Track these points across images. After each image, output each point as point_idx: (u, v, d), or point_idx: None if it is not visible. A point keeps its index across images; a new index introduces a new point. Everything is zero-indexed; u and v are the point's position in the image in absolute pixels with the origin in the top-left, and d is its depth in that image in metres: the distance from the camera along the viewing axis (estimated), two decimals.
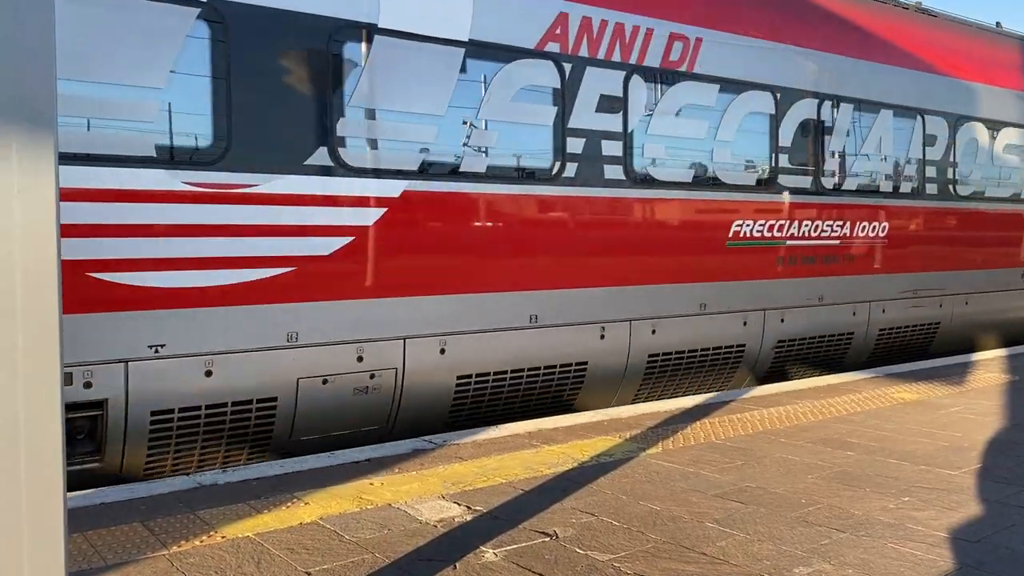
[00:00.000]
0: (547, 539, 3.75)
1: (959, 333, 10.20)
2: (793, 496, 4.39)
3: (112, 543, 3.65)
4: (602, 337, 6.91)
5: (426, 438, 5.55)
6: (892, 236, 9.15)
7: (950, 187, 9.83)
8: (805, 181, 8.32)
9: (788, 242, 8.14)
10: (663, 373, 7.46)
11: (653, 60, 7.18)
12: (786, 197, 8.15)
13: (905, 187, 9.35)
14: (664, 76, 7.27)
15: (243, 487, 4.47)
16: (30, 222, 2.05)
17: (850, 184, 8.75)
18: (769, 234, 7.98)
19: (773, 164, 8.07)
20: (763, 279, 8.00)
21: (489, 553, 3.58)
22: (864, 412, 6.49)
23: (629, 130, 7.03)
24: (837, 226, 8.57)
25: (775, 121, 8.05)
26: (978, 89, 10.22)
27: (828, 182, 8.53)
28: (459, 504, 4.22)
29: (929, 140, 9.51)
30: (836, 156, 8.63)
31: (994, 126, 10.46)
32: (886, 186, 9.16)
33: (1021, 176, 10.97)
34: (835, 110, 8.59)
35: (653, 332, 7.25)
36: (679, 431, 5.81)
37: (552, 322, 6.62)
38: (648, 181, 7.15)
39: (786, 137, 8.13)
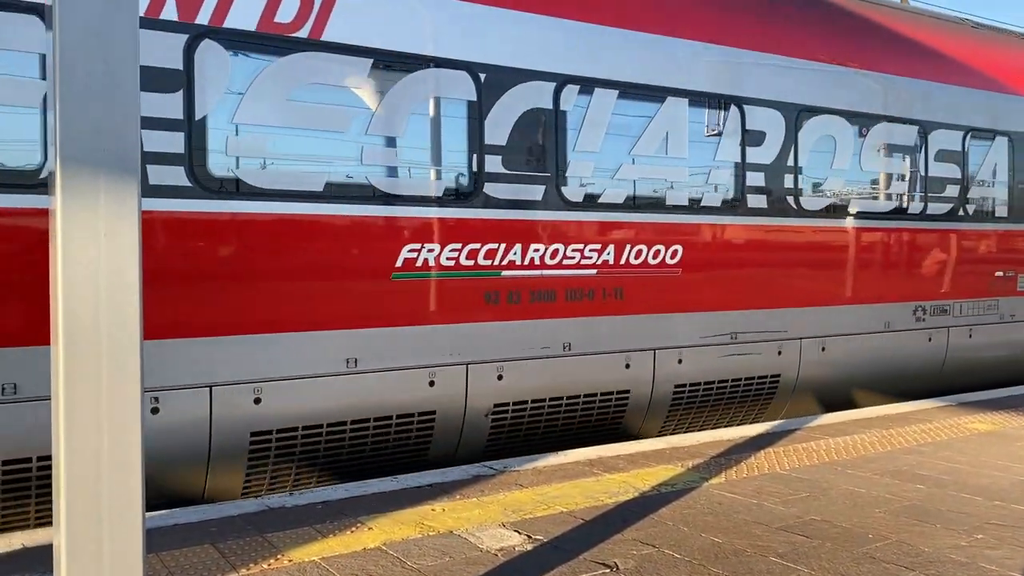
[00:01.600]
0: (607, 571, 3.75)
1: (816, 385, 7.92)
2: (860, 530, 4.30)
3: (185, 564, 3.77)
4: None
5: (486, 464, 5.60)
6: (689, 263, 6.98)
7: (790, 199, 7.59)
8: (534, 191, 6.21)
9: (505, 272, 6.10)
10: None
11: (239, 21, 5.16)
12: (500, 213, 6.11)
13: (711, 199, 7.16)
14: (266, 43, 5.25)
15: (309, 510, 4.57)
16: (114, 263, 2.17)
17: (614, 195, 6.62)
18: (471, 261, 5.98)
19: (476, 169, 5.99)
20: (470, 321, 6.01)
21: None
22: (935, 443, 6.32)
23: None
24: (591, 251, 6.50)
25: (478, 111, 5.97)
26: (840, 74, 8.00)
27: (575, 193, 6.41)
28: (519, 532, 4.24)
29: (752, 139, 7.34)
30: (587, 156, 6.51)
31: (865, 121, 8.14)
32: (678, 197, 6.95)
33: (914, 186, 8.67)
34: (586, 96, 6.47)
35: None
36: (742, 460, 5.74)
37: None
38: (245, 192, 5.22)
39: (498, 132, 6.04)
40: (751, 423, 7.51)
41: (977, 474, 5.41)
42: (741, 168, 7.32)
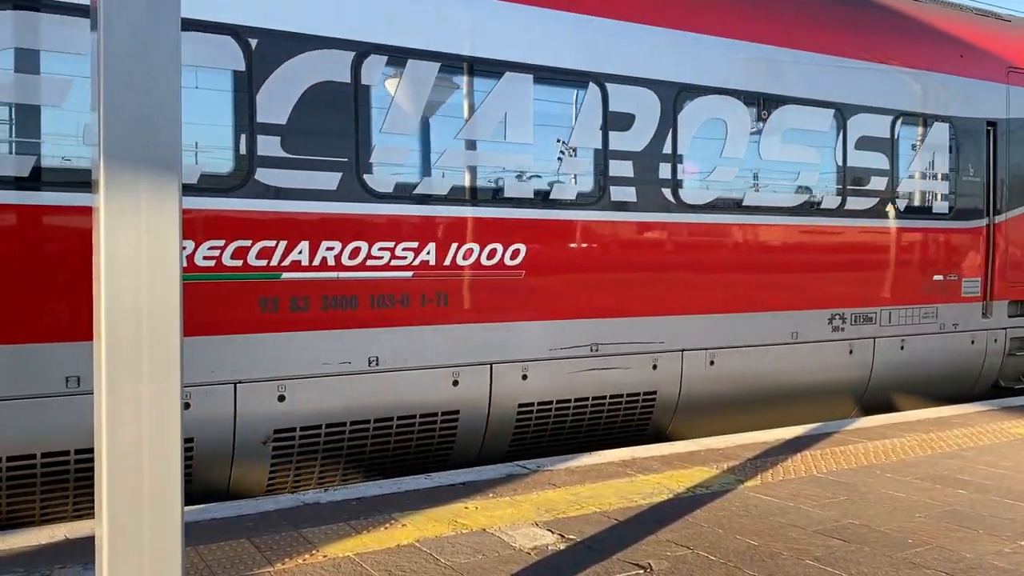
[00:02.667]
0: (641, 572, 3.73)
1: (705, 404, 6.96)
2: (899, 535, 4.23)
3: (222, 558, 3.82)
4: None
5: (519, 463, 5.59)
6: (535, 265, 6.00)
7: (667, 191, 6.56)
8: (326, 179, 5.34)
9: (286, 275, 5.22)
10: None
11: None
12: (278, 205, 5.23)
13: (564, 192, 6.15)
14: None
15: (344, 506, 4.61)
16: (155, 259, 2.20)
17: (436, 185, 5.70)
18: (237, 261, 5.10)
19: (246, 151, 5.12)
20: (238, 332, 5.13)
21: None
22: (977, 447, 6.19)
23: None
24: (405, 250, 5.56)
25: (248, 83, 5.12)
26: (732, 48, 6.94)
27: (382, 182, 5.51)
28: (552, 532, 4.24)
29: (617, 122, 6.32)
30: (398, 140, 5.64)
31: (766, 103, 7.14)
32: (520, 189, 6.00)
33: (829, 177, 7.55)
34: (396, 69, 5.59)
35: None
36: (778, 463, 5.67)
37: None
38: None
39: (275, 108, 5.18)
40: (627, 445, 6.56)
41: (1021, 479, 5.29)
42: (603, 156, 6.27)
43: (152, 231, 2.15)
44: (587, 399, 6.33)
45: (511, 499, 4.79)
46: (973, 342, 8.51)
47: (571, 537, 4.16)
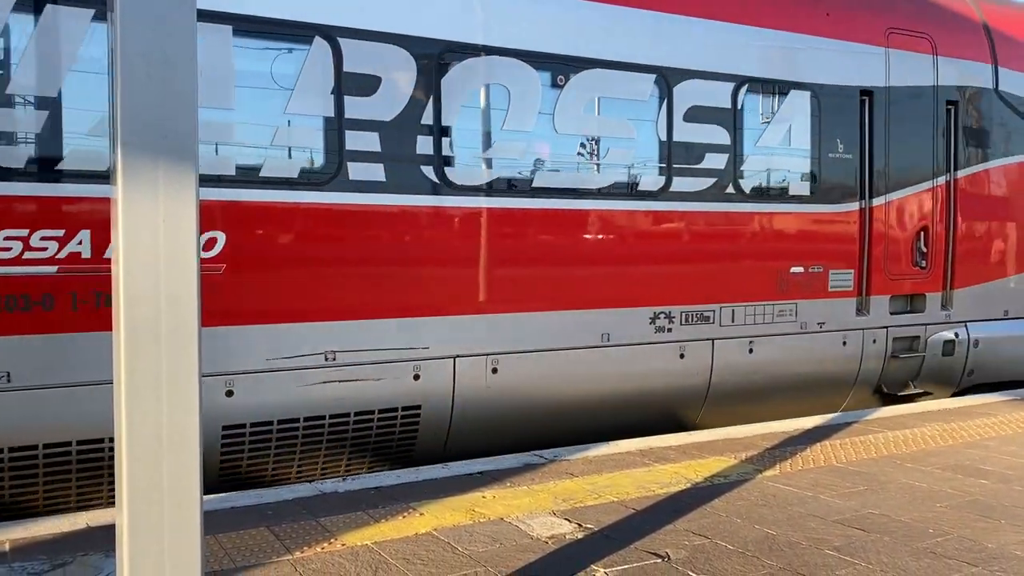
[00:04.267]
0: (659, 561, 3.72)
1: (488, 419, 5.89)
2: (920, 525, 4.19)
3: (241, 546, 3.85)
4: None
5: (536, 453, 5.59)
6: (239, 258, 5.00)
7: (427, 170, 5.53)
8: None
9: None
10: None
11: None
12: None
13: (276, 168, 5.14)
14: None
15: (362, 495, 4.62)
16: (173, 248, 2.21)
17: (78, 158, 4.63)
18: None
19: None
20: None
21: (600, 572, 3.58)
22: (1000, 437, 6.13)
23: None
24: (46, 239, 4.56)
25: None
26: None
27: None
28: (570, 521, 4.23)
29: (356, 86, 5.28)
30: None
31: (562, 67, 5.96)
32: (214, 165, 4.94)
33: (648, 154, 6.42)
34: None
35: None
36: (797, 453, 5.64)
37: None
38: None
39: None
40: (390, 468, 5.68)
41: None
42: (336, 126, 5.24)
43: (170, 220, 2.15)
44: (323, 417, 5.31)
45: (528, 488, 4.79)
46: (845, 343, 7.33)
47: (588, 526, 4.16)
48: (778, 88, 6.94)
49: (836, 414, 7.08)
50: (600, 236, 6.19)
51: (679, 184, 6.45)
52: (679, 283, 6.53)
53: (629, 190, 6.31)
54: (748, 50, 6.77)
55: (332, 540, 3.93)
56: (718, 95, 6.62)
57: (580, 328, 6.12)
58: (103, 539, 3.89)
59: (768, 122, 6.96)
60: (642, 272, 6.37)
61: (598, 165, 6.23)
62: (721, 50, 6.63)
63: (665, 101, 6.38)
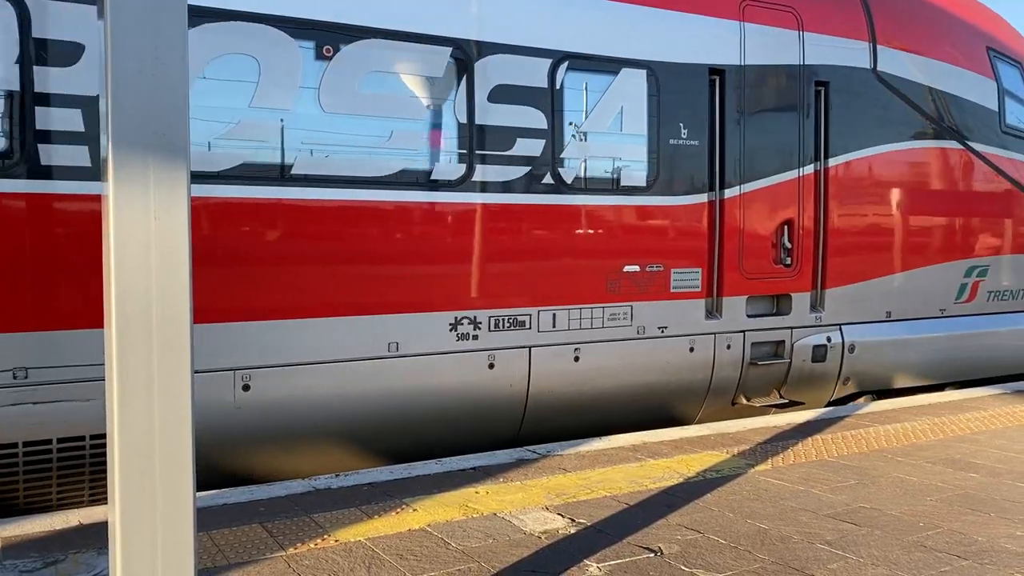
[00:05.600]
0: (651, 555, 3.73)
1: (240, 442, 5.14)
2: (911, 519, 4.22)
3: (234, 543, 3.85)
4: None
5: (530, 448, 5.60)
6: None
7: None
8: None
9: None
10: None
11: None
12: None
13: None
14: None
15: (355, 492, 4.63)
16: (165, 245, 2.21)
17: None
18: None
19: None
20: None
21: (593, 567, 3.59)
22: (989, 431, 6.16)
23: None
24: None
25: None
26: None
27: None
28: (563, 516, 4.25)
29: (48, 52, 4.53)
30: None
31: (325, 36, 5.20)
32: None
33: (444, 138, 5.69)
34: None
35: None
36: (789, 447, 5.67)
37: None
38: None
39: None
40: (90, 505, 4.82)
41: None
42: (21, 101, 4.44)
43: (161, 216, 2.15)
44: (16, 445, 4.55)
45: (521, 483, 4.80)
46: (692, 349, 6.57)
47: (581, 521, 4.17)
48: (607, 66, 6.14)
49: (826, 409, 7.11)
50: (383, 231, 5.44)
51: (484, 173, 5.70)
52: (486, 284, 5.76)
53: (420, 179, 5.53)
54: (569, 22, 5.96)
55: (325, 536, 3.94)
56: (532, 73, 5.82)
57: (360, 337, 5.37)
58: (96, 536, 3.89)
59: (595, 105, 6.15)
60: (439, 272, 5.62)
61: (378, 151, 5.41)
62: (534, 21, 5.82)
63: (465, 78, 5.60)
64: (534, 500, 4.50)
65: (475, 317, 5.74)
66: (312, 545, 3.83)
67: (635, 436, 5.95)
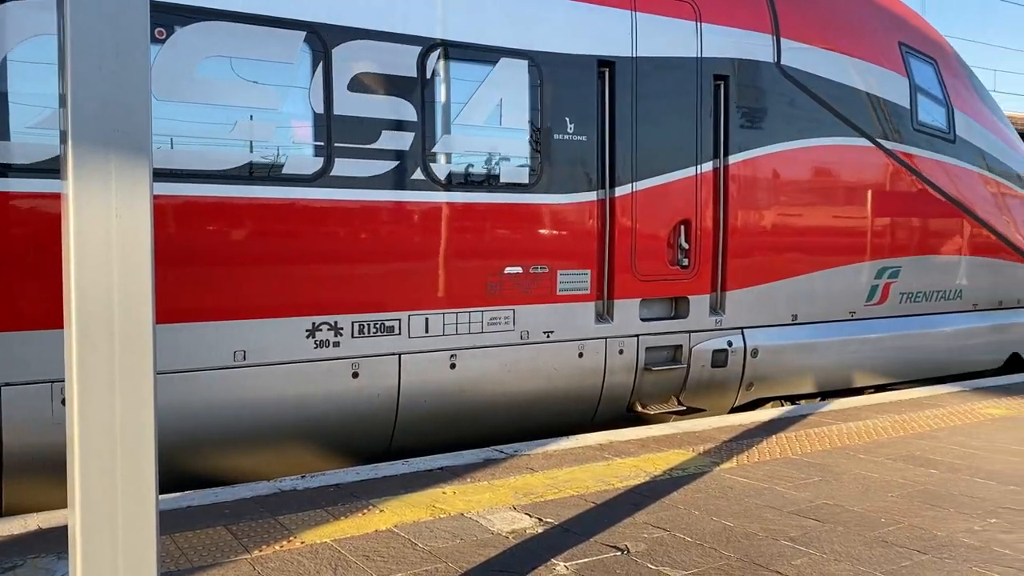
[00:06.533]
0: (618, 554, 3.75)
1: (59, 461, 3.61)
2: (872, 515, 4.29)
3: (198, 546, 3.80)
4: None
5: (497, 448, 5.60)
6: None
7: None
8: None
9: None
10: None
11: None
12: None
13: None
14: None
15: (321, 493, 4.59)
16: (126, 243, 2.17)
17: None
18: None
19: None
20: None
21: (560, 566, 3.60)
22: (948, 428, 6.28)
23: None
24: None
25: None
26: None
27: None
28: (530, 516, 4.25)
29: None
30: None
31: (158, 16, 4.75)
32: None
33: (298, 129, 5.33)
34: None
35: None
36: (754, 445, 5.73)
37: None
38: None
39: None
40: None
41: (991, 459, 5.38)
42: None
43: (123, 214, 2.11)
44: None
45: (489, 483, 4.80)
46: (582, 355, 6.29)
47: (549, 520, 4.18)
48: (484, 55, 5.81)
49: (790, 407, 7.20)
50: (226, 229, 5.04)
51: (344, 167, 5.33)
52: (349, 287, 5.40)
53: (270, 173, 5.15)
54: (441, 8, 5.63)
55: (291, 538, 3.90)
56: (398, 61, 5.46)
57: (200, 344, 4.97)
58: (56, 540, 3.82)
59: (470, 97, 5.79)
60: (294, 275, 5.23)
61: (221, 141, 5.03)
62: (401, 6, 5.50)
63: (321, 65, 5.23)
64: (502, 500, 4.50)
65: (336, 323, 5.38)
66: (278, 547, 3.79)
67: (602, 435, 5.98)
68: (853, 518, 4.23)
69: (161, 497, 4.43)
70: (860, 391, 8.02)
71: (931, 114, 8.36)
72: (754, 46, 7.00)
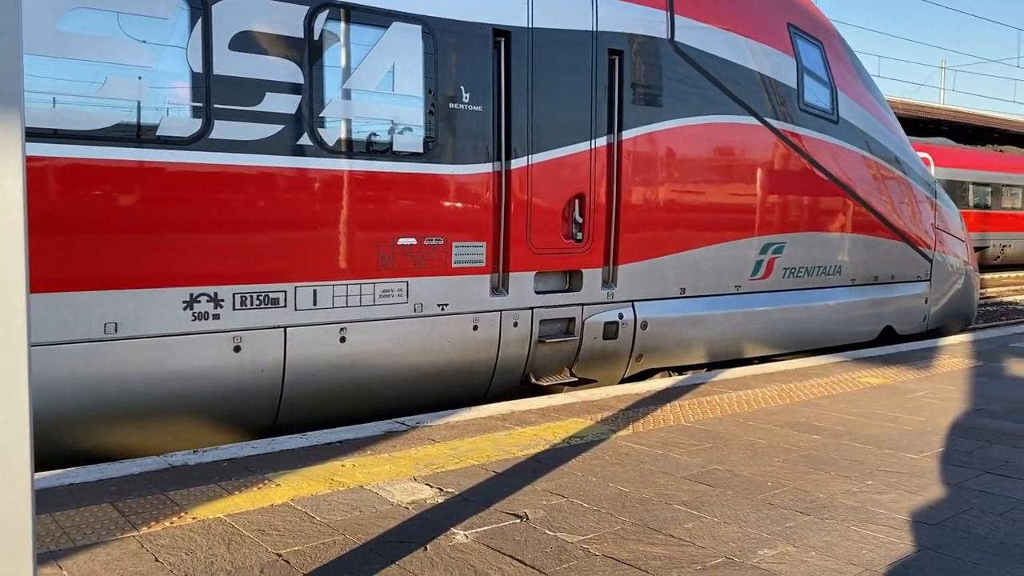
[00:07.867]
0: (517, 521, 3.79)
1: None
2: (759, 479, 4.47)
3: (81, 524, 3.64)
4: None
5: (399, 420, 5.57)
6: None
7: None
8: None
9: None
10: None
11: None
12: None
13: None
14: None
15: (214, 468, 4.46)
16: None
17: None
18: None
19: None
20: None
21: (460, 535, 3.61)
22: (832, 396, 6.60)
23: None
24: None
25: None
26: None
27: None
28: (431, 486, 4.25)
29: None
30: None
31: None
32: None
33: (172, 91, 5.06)
34: None
35: None
36: (649, 413, 5.88)
37: None
38: None
39: None
40: None
41: (869, 425, 5.68)
42: None
43: None
44: None
45: (389, 455, 4.77)
46: (476, 327, 6.30)
47: (449, 490, 4.18)
48: (376, 19, 5.67)
49: (685, 376, 7.41)
50: (95, 193, 4.77)
51: (224, 130, 5.11)
52: (230, 257, 5.20)
53: (142, 134, 4.89)
54: None
55: (182, 514, 3.78)
56: (284, 20, 5.29)
57: (70, 316, 4.75)
58: None
59: (360, 61, 5.63)
60: (169, 243, 5.00)
61: (86, 99, 4.76)
62: None
63: (201, 22, 5.02)
64: (402, 471, 4.48)
65: (216, 294, 5.19)
66: (168, 523, 3.67)
67: (504, 405, 6.02)
68: (742, 482, 4.40)
69: (42, 474, 4.22)
70: (747, 362, 8.34)
71: (817, 95, 8.62)
72: (649, 22, 7.06)
